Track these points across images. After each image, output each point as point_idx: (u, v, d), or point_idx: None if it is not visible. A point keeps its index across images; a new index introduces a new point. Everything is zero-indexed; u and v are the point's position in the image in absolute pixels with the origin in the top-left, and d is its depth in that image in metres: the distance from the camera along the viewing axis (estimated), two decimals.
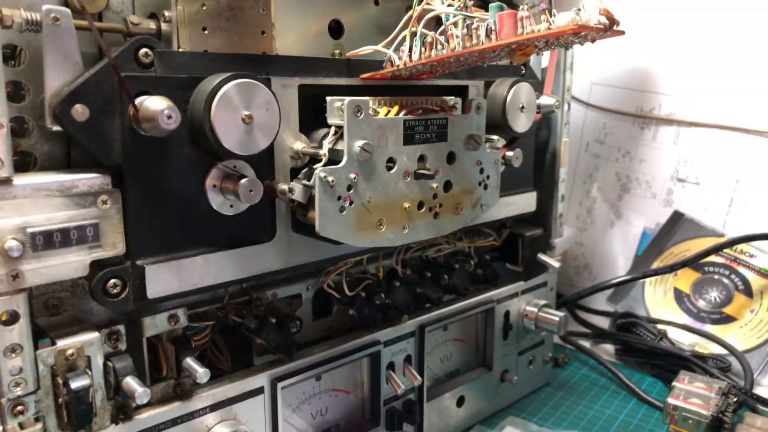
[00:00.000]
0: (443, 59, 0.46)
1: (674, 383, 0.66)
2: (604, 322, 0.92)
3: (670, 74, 0.95)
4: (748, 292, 0.86)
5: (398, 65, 0.47)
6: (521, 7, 0.42)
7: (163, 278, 0.41)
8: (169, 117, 0.36)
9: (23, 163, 0.40)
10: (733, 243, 0.85)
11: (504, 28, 0.42)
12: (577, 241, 1.04)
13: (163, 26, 0.41)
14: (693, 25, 0.93)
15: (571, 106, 0.76)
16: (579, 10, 0.41)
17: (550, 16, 0.41)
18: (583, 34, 0.40)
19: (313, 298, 0.56)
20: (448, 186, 0.53)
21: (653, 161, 0.98)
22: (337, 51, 0.56)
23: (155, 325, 0.43)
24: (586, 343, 0.88)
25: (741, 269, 0.87)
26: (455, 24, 0.47)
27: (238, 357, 0.53)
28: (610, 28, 0.40)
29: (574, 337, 0.88)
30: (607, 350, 0.87)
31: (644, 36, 0.97)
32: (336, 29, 0.57)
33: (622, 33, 0.42)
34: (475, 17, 0.45)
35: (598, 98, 1.02)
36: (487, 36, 0.43)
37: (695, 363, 0.75)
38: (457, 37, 0.45)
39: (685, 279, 0.91)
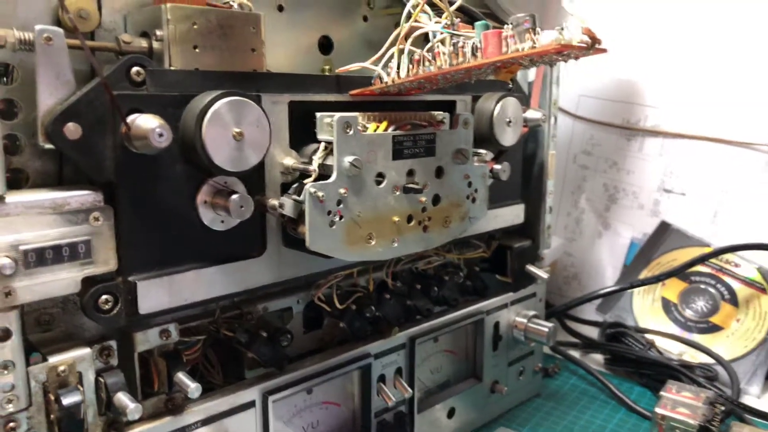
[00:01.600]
0: (430, 76, 0.46)
1: (662, 393, 0.67)
2: (593, 332, 0.93)
3: (655, 87, 0.97)
4: (733, 301, 0.87)
5: (386, 82, 0.48)
6: (506, 26, 0.43)
7: (154, 294, 0.41)
8: (161, 135, 0.37)
9: (15, 179, 0.40)
10: (718, 253, 0.86)
11: (489, 46, 0.43)
12: (566, 251, 1.05)
13: (155, 45, 0.42)
14: (678, 38, 0.94)
15: (559, 118, 0.77)
16: (562, 29, 0.42)
17: (534, 35, 0.42)
18: (566, 52, 0.41)
19: (304, 311, 0.56)
20: (436, 200, 0.53)
21: (640, 172, 1.00)
22: (327, 67, 0.57)
23: (147, 340, 0.44)
24: (575, 353, 0.89)
25: (727, 279, 0.88)
26: (442, 41, 0.48)
27: (230, 370, 0.54)
28: (592, 46, 0.41)
29: (563, 347, 0.89)
30: (596, 360, 0.88)
31: (630, 49, 0.98)
32: (325, 45, 0.58)
33: (604, 51, 0.43)
34: (461, 35, 0.46)
35: (586, 110, 1.04)
36: (473, 54, 0.44)
37: (683, 373, 0.75)
38: (443, 54, 0.45)
39: (673, 289, 0.92)
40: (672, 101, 0.96)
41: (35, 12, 0.40)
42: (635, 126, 0.99)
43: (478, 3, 0.68)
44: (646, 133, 0.98)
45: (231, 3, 0.45)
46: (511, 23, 0.44)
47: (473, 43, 0.44)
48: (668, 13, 0.95)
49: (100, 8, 0.42)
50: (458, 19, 0.51)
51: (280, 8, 0.53)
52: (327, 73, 0.57)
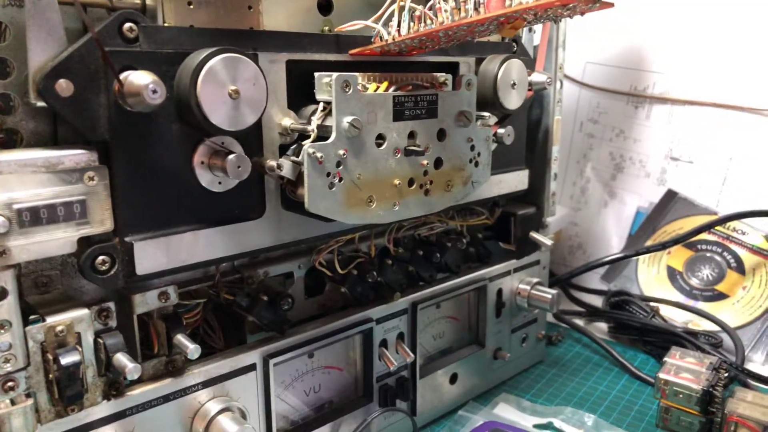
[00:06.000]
0: (432, 33, 0.45)
1: (665, 359, 0.66)
2: (597, 301, 0.92)
3: (663, 53, 0.95)
4: (740, 269, 0.86)
5: (387, 40, 0.47)
6: None
7: (152, 255, 0.41)
8: (155, 91, 0.36)
9: (9, 140, 0.40)
10: (724, 220, 0.85)
11: (492, 0, 0.41)
12: (571, 220, 1.04)
13: (148, 1, 0.41)
14: (686, 3, 0.92)
15: (565, 86, 0.76)
16: None
17: None
18: (571, 5, 0.40)
19: (305, 276, 0.56)
20: (438, 163, 0.52)
21: (647, 140, 0.98)
22: (326, 28, 0.56)
23: (145, 302, 0.43)
24: (579, 322, 0.89)
25: (733, 246, 0.87)
26: None
27: (231, 335, 0.54)
28: (598, 0, 0.40)
29: (567, 315, 0.89)
30: (600, 328, 0.88)
31: (637, 14, 0.96)
32: (325, 6, 0.56)
33: (611, 5, 0.42)
34: None
35: (592, 77, 1.02)
36: (476, 9, 0.43)
37: (687, 339, 0.75)
38: (445, 11, 0.44)
39: (678, 257, 0.91)
40: (680, 67, 0.94)
41: None
42: (643, 93, 0.97)
43: None
44: (653, 101, 0.97)
45: None
46: None
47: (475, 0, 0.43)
48: None
49: None
50: None
51: None
52: None
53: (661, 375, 0.63)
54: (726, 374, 0.64)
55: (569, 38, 0.73)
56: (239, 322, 0.53)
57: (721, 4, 0.89)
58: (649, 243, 0.94)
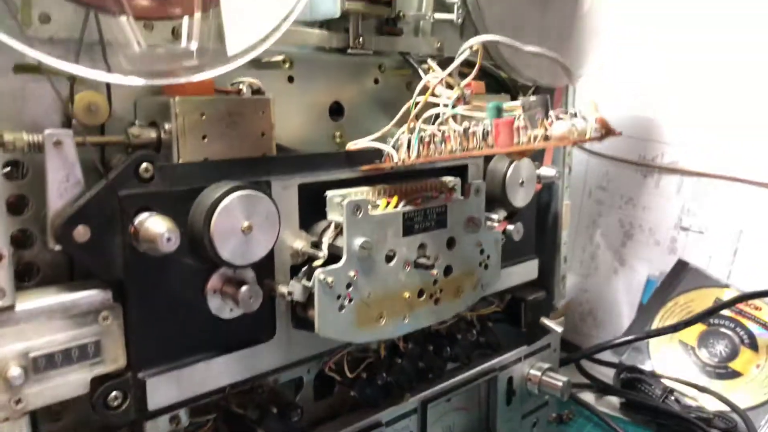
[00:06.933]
0: (440, 159, 0.46)
1: None
2: (608, 371, 0.91)
3: (672, 123, 0.96)
4: (753, 346, 0.85)
5: (397, 162, 0.48)
6: (517, 114, 0.42)
7: (163, 390, 0.41)
8: (169, 240, 0.37)
9: (26, 272, 0.41)
10: (740, 300, 0.84)
11: (501, 135, 0.42)
12: (582, 287, 1.04)
13: (164, 135, 0.42)
14: (696, 75, 0.93)
15: (574, 153, 0.76)
16: (575, 115, 0.42)
17: (546, 120, 0.42)
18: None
19: (315, 379, 0.56)
20: (448, 270, 0.53)
21: (656, 209, 0.98)
22: (338, 133, 0.57)
23: (157, 427, 0.43)
24: (590, 395, 0.88)
25: (747, 322, 0.87)
26: (453, 117, 0.48)
27: None
28: (606, 136, 0.41)
29: (577, 389, 0.88)
30: (611, 403, 0.87)
31: (647, 84, 0.97)
32: (336, 110, 0.57)
33: (618, 134, 0.43)
34: (472, 118, 0.46)
35: (601, 145, 1.02)
36: (484, 138, 0.44)
37: (700, 428, 0.74)
38: (454, 138, 0.45)
39: (691, 331, 0.90)
40: (689, 138, 0.94)
41: (44, 108, 0.40)
42: (651, 163, 0.97)
43: (485, 56, 0.67)
44: (662, 170, 0.97)
45: (240, 86, 0.45)
46: (523, 106, 0.43)
47: (484, 128, 0.44)
48: (685, 48, 0.93)
49: (110, 99, 0.42)
50: (469, 91, 0.50)
51: (290, 79, 0.53)
52: (337, 145, 0.56)
53: None
54: None
55: (578, 104, 0.73)
56: (251, 428, 0.53)
57: (732, 78, 0.90)
58: (660, 314, 0.94)
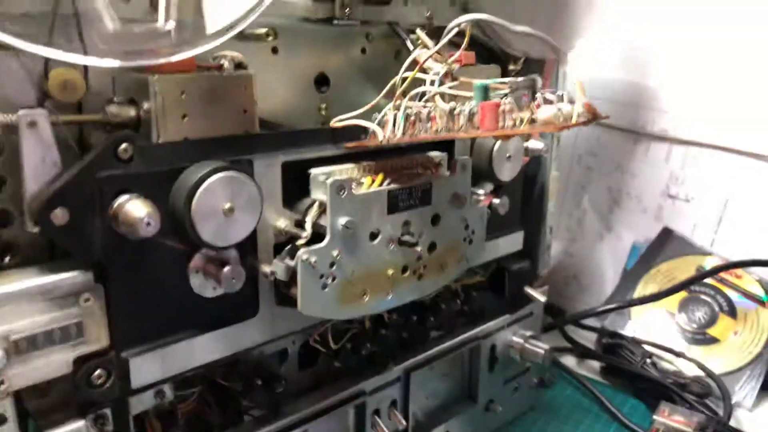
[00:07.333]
0: (426, 138, 0.45)
1: (654, 416, 0.68)
2: (590, 335, 0.93)
3: (664, 91, 0.95)
4: (732, 313, 0.87)
5: (382, 141, 0.47)
6: (503, 96, 0.41)
7: (147, 368, 0.41)
8: (148, 224, 0.36)
9: (5, 251, 0.40)
10: (722, 269, 0.85)
11: (486, 118, 0.41)
12: (568, 252, 1.05)
13: (143, 114, 0.41)
14: (690, 43, 0.91)
15: None
16: (561, 97, 0.41)
17: (533, 103, 0.41)
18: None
19: (299, 349, 0.57)
20: (432, 247, 0.53)
21: (645, 177, 0.98)
22: (324, 105, 0.56)
23: (141, 402, 0.44)
24: (572, 358, 0.90)
25: (727, 290, 0.88)
26: (441, 95, 0.47)
27: (227, 406, 0.55)
28: (591, 121, 0.40)
29: (559, 352, 0.90)
30: (592, 367, 0.89)
31: (641, 51, 0.95)
32: (321, 81, 0.56)
33: (606, 117, 0.42)
34: (458, 96, 0.45)
35: None
36: (470, 120, 0.43)
37: (676, 392, 0.76)
38: (440, 118, 0.44)
39: (672, 297, 0.91)
40: (681, 107, 0.94)
41: (18, 84, 0.39)
42: (642, 130, 0.97)
43: (475, 29, 0.65)
44: (652, 138, 0.96)
45: (221, 61, 0.44)
46: (510, 87, 0.43)
47: (470, 109, 0.43)
48: (679, 16, 0.91)
49: (86, 76, 0.41)
50: (458, 66, 0.50)
51: (274, 50, 0.51)
52: (323, 117, 0.55)
53: None
54: None
55: (569, 74, 0.72)
56: (236, 399, 0.54)
57: (725, 46, 0.88)
58: (643, 280, 0.95)
